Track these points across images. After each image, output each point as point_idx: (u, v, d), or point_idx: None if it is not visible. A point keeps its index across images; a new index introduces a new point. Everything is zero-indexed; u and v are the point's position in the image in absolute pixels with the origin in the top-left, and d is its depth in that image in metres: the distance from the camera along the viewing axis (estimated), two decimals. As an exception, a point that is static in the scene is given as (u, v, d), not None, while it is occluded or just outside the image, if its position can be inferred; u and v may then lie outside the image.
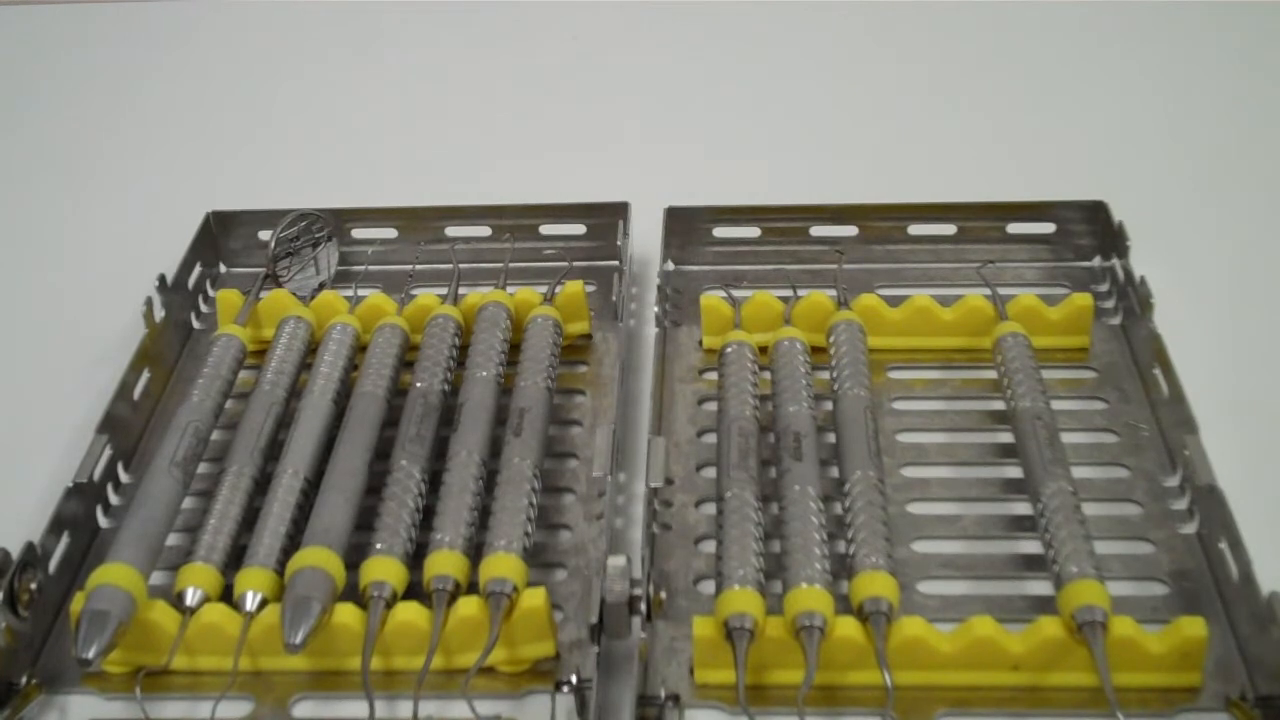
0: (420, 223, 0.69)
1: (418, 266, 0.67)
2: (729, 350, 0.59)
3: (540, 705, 0.48)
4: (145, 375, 0.61)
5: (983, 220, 0.67)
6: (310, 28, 0.97)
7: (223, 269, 0.71)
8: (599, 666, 0.47)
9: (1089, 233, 0.67)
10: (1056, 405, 0.57)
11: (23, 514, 0.56)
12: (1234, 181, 0.76)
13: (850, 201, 0.68)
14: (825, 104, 0.85)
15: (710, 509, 0.55)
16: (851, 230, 0.68)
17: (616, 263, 0.66)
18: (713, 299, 0.63)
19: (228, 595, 0.50)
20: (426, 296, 0.64)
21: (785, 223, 0.68)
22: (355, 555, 0.51)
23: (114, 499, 0.57)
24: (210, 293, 0.69)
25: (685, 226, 0.68)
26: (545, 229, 0.69)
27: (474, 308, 0.62)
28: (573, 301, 0.63)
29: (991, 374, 0.60)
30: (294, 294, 0.65)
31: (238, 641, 0.48)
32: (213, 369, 0.59)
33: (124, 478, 0.58)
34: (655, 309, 0.64)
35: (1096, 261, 0.67)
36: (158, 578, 0.52)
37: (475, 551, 0.51)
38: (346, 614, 0.49)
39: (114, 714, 0.49)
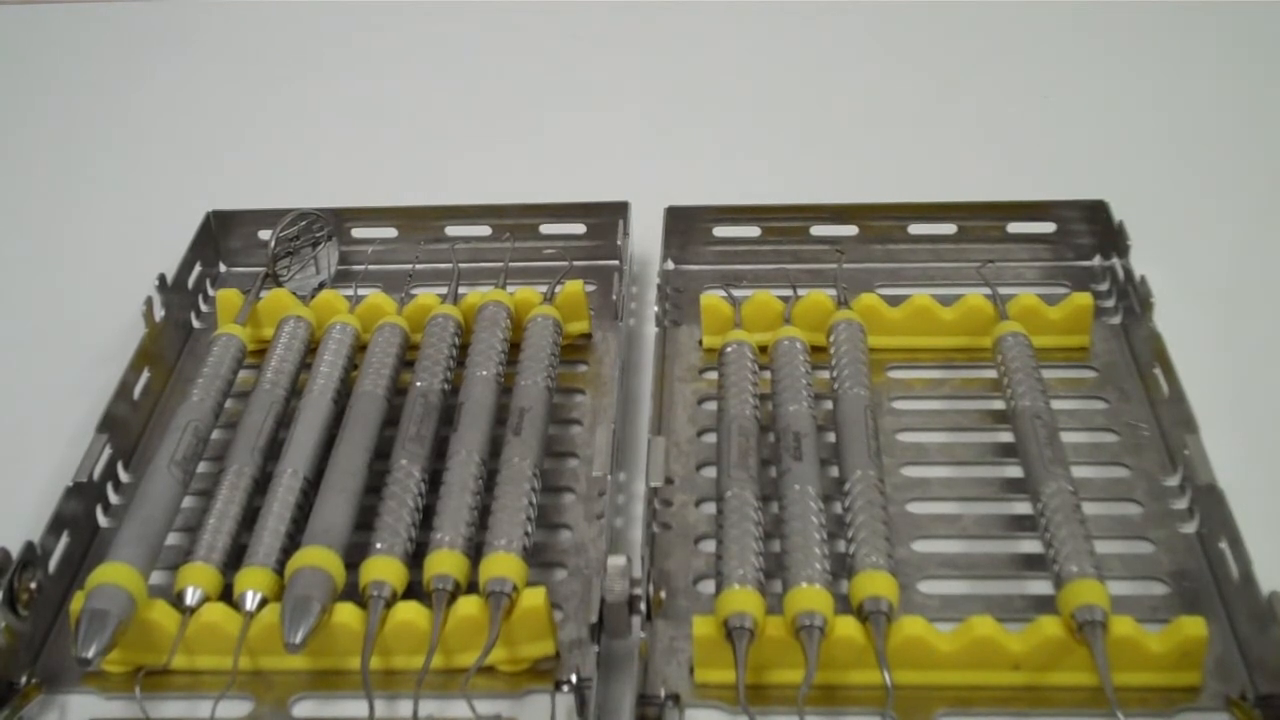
0: (420, 222, 0.69)
1: (418, 266, 0.67)
2: (729, 350, 0.59)
3: (540, 705, 0.48)
4: (145, 375, 0.61)
5: (983, 220, 0.67)
6: (310, 28, 0.97)
7: (223, 268, 0.71)
8: (599, 666, 0.47)
9: (1089, 232, 0.67)
10: (1056, 405, 0.57)
11: (23, 514, 0.56)
12: (1234, 182, 0.76)
13: (850, 201, 0.68)
14: (825, 104, 0.85)
15: (710, 509, 0.55)
16: (851, 230, 0.68)
17: (616, 262, 0.66)
18: (713, 298, 0.63)
19: (228, 595, 0.50)
20: (426, 296, 0.64)
21: (785, 222, 0.68)
22: (355, 555, 0.51)
23: (114, 498, 0.57)
24: (210, 292, 0.69)
25: (685, 226, 0.68)
26: (545, 228, 0.69)
27: (474, 307, 0.62)
28: (573, 301, 0.63)
29: (991, 373, 0.60)
30: (294, 293, 0.65)
31: (237, 641, 0.48)
32: (213, 368, 0.59)
33: (124, 477, 0.58)
34: (655, 308, 0.64)
35: (1096, 261, 0.67)
36: (158, 577, 0.52)
37: (475, 551, 0.51)
38: (346, 614, 0.49)
39: (114, 714, 0.49)
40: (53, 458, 0.60)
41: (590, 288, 0.66)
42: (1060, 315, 0.62)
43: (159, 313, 0.63)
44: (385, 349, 0.60)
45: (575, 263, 0.67)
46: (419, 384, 0.58)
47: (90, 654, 0.46)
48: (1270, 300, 0.67)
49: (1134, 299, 0.62)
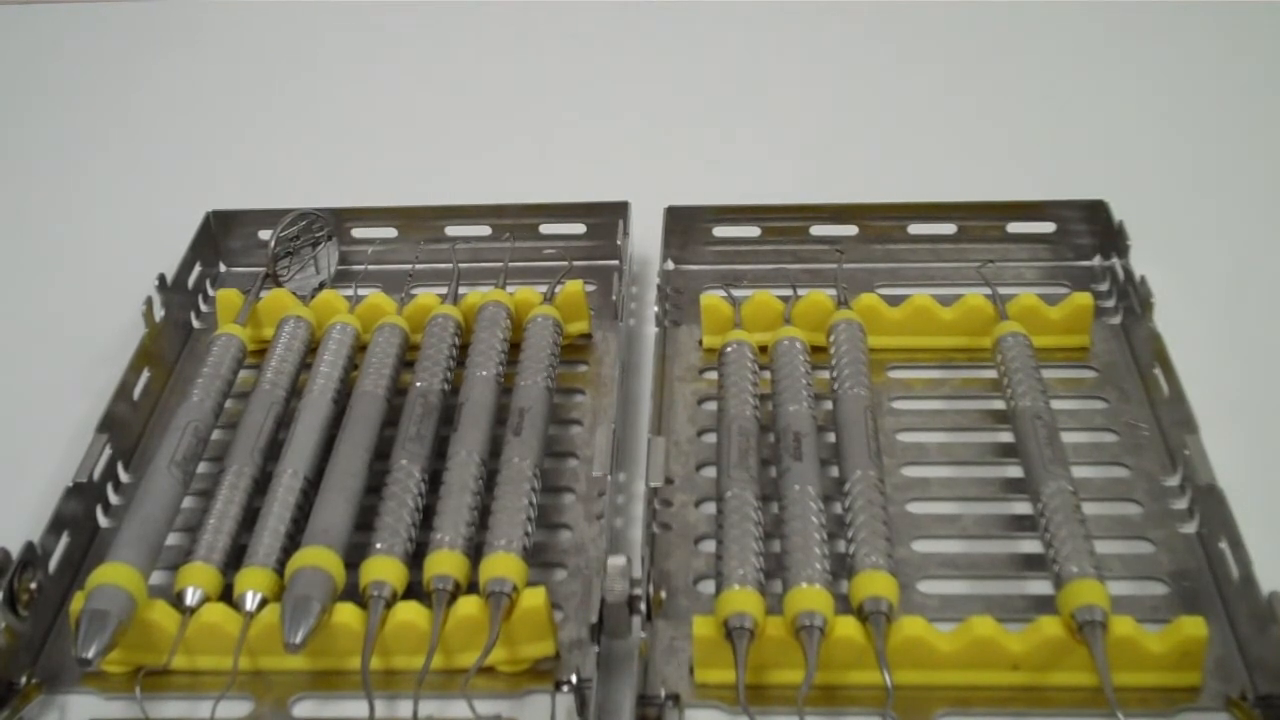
0: (420, 222, 0.69)
1: (418, 266, 0.67)
2: (729, 350, 0.59)
3: (540, 705, 0.48)
4: (145, 375, 0.61)
5: (983, 220, 0.67)
6: (310, 27, 0.97)
7: (223, 268, 0.71)
8: (599, 666, 0.47)
9: (1089, 232, 0.67)
10: (1056, 405, 0.57)
11: (23, 514, 0.56)
12: (1234, 182, 0.76)
13: (850, 201, 0.68)
14: (825, 104, 0.85)
15: (710, 509, 0.55)
16: (851, 230, 0.68)
17: (616, 262, 0.66)
18: (713, 298, 0.63)
19: (228, 595, 0.50)
20: (426, 296, 0.64)
21: (785, 222, 0.68)
22: (355, 555, 0.51)
23: (114, 499, 0.57)
24: (210, 292, 0.69)
25: (685, 226, 0.68)
26: (545, 228, 0.69)
27: (474, 307, 0.62)
28: (573, 301, 0.63)
29: (991, 373, 0.60)
30: (294, 293, 0.65)
31: (237, 641, 0.48)
32: (213, 369, 0.59)
33: (124, 477, 0.58)
34: (655, 308, 0.64)
35: (1097, 261, 0.67)
36: (158, 577, 0.52)
37: (475, 551, 0.51)
38: (346, 614, 0.49)
39: (114, 714, 0.49)
40: (53, 458, 0.60)
41: (590, 288, 0.66)
42: (1060, 315, 0.62)
43: (159, 313, 0.63)
44: (385, 349, 0.60)
45: (575, 263, 0.67)
46: (419, 384, 0.58)
47: (90, 654, 0.46)
48: (1270, 300, 0.66)
49: (1134, 299, 0.62)
